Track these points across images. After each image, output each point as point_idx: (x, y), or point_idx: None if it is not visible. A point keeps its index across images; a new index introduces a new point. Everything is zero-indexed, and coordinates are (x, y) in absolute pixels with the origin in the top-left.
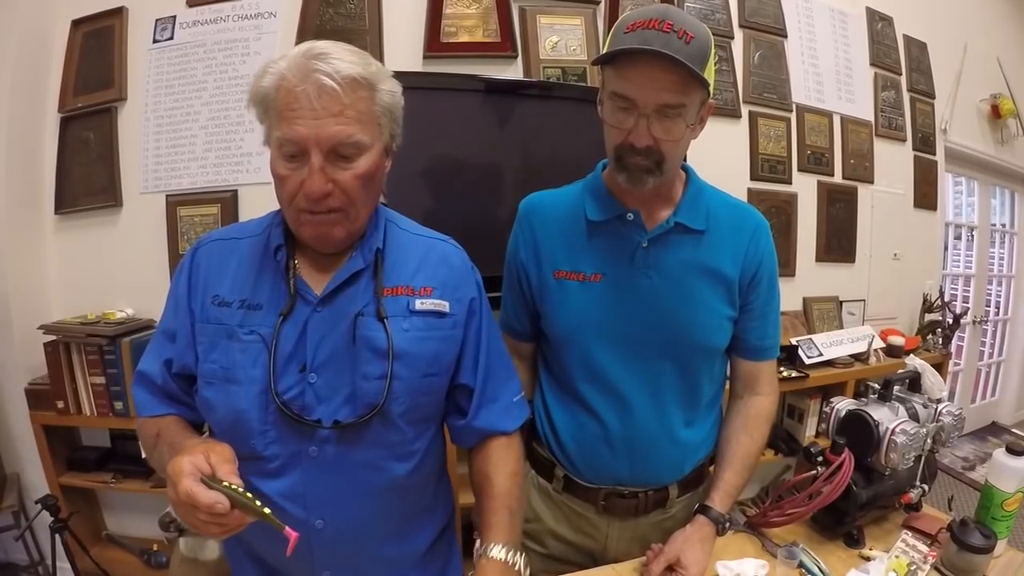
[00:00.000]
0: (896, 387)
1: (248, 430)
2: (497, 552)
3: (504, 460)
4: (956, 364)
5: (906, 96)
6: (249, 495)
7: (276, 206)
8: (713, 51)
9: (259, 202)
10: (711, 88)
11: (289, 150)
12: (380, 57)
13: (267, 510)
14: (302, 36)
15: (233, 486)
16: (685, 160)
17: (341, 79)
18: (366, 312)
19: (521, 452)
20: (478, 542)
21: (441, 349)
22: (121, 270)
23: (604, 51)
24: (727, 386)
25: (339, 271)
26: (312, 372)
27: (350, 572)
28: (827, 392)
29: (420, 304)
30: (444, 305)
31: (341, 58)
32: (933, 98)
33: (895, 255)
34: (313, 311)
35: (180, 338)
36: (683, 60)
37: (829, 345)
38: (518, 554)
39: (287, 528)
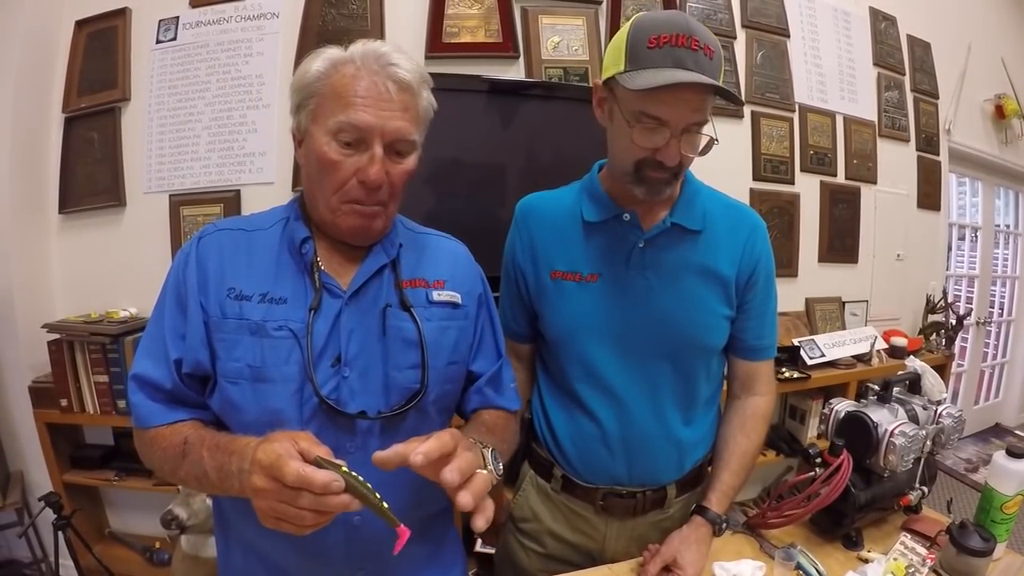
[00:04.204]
0: (896, 389)
1: (285, 429)
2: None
3: (504, 428)
4: (959, 365)
5: (909, 96)
6: (362, 479)
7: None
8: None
9: (262, 202)
10: None
11: (348, 137)
12: None
13: (383, 502)
14: (304, 37)
15: (344, 468)
16: None
17: (412, 79)
18: (393, 303)
19: (516, 432)
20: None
21: (459, 338)
22: (124, 269)
23: (625, 65)
24: (725, 385)
25: (365, 265)
26: (345, 366)
27: (382, 569)
28: (829, 393)
29: (437, 296)
30: (457, 297)
31: (406, 59)
32: (937, 98)
33: (898, 256)
34: (344, 304)
35: (191, 334)
36: (721, 85)
37: (831, 346)
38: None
39: (401, 525)
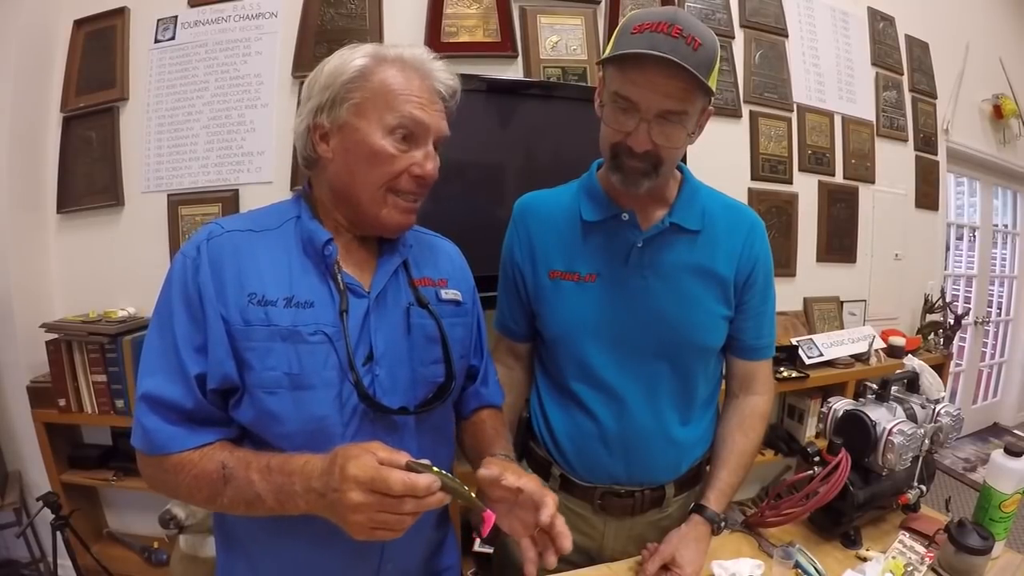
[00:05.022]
0: (894, 387)
1: (329, 436)
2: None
3: (497, 419)
4: (957, 365)
5: (907, 96)
6: (449, 474)
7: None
8: (719, 59)
9: (260, 201)
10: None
11: (404, 132)
12: None
13: (472, 491)
14: (303, 36)
15: (434, 468)
16: (684, 160)
17: (453, 88)
18: (412, 302)
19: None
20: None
21: (465, 335)
22: (123, 269)
23: (609, 50)
24: (723, 385)
25: (383, 265)
26: (376, 364)
27: (407, 560)
28: (827, 392)
29: (444, 294)
30: (458, 295)
31: (446, 67)
32: (935, 98)
33: (896, 255)
34: (371, 304)
35: (214, 347)
36: (690, 67)
37: (829, 345)
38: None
39: (488, 510)
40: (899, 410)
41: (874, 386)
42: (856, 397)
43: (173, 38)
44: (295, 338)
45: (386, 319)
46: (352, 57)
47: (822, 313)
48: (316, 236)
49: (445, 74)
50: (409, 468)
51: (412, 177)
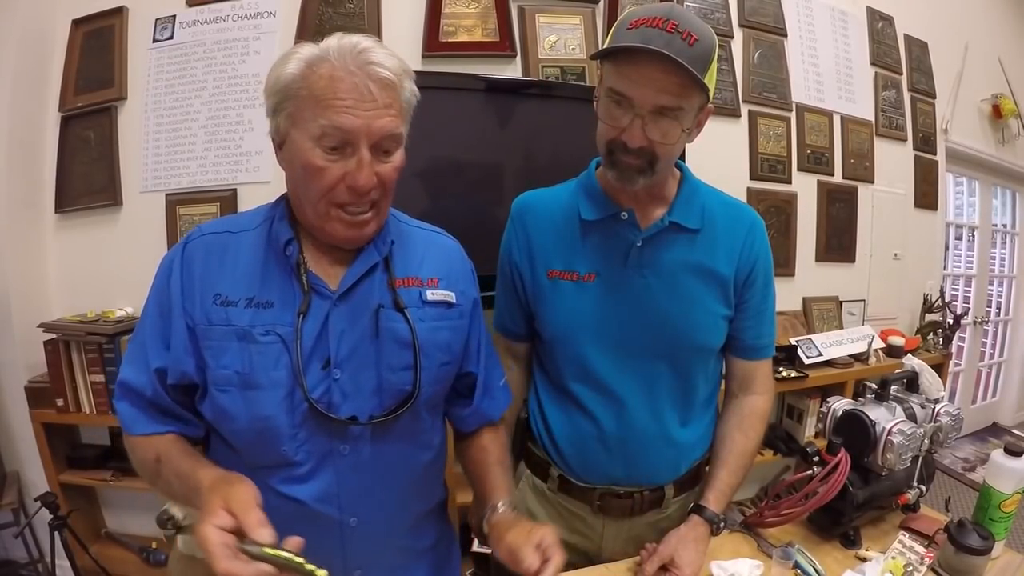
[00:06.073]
0: (893, 387)
1: (277, 436)
2: (504, 507)
3: (498, 443)
4: (957, 365)
5: (907, 96)
6: (288, 553)
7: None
8: (716, 55)
9: (258, 201)
10: (711, 93)
11: (332, 141)
12: None
13: (317, 569)
14: (301, 36)
15: (268, 550)
16: (683, 160)
17: (393, 76)
18: (385, 304)
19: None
20: (490, 505)
21: (452, 338)
22: (121, 269)
23: (604, 46)
24: (723, 385)
25: (356, 264)
26: (335, 368)
27: (379, 568)
28: (826, 392)
29: (431, 295)
30: (451, 296)
31: (386, 54)
32: (934, 98)
33: (895, 255)
34: (333, 306)
35: (176, 344)
36: (684, 63)
37: (829, 345)
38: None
39: None
40: (898, 410)
41: (873, 386)
42: (855, 397)
43: (171, 38)
44: (248, 338)
45: (354, 321)
46: (285, 64)
47: (821, 313)
48: (280, 237)
49: (385, 60)
50: (243, 548)
51: (347, 188)
